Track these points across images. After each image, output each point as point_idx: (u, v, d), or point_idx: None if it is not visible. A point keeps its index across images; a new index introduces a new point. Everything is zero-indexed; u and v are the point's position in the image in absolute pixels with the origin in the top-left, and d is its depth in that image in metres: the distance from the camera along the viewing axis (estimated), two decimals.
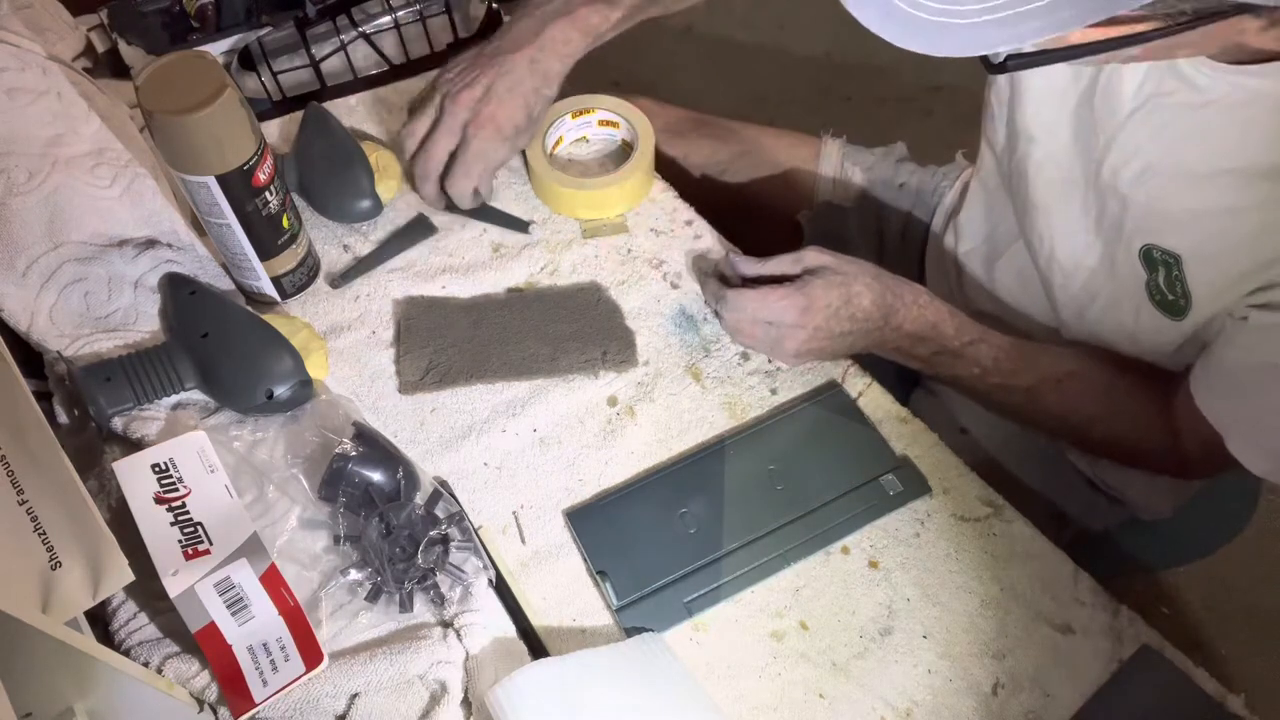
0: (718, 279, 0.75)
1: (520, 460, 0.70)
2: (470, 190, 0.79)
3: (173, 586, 0.57)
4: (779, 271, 0.71)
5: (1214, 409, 0.64)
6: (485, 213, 0.83)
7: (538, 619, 0.62)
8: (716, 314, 0.75)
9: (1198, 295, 0.64)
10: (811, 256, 0.70)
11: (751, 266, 0.72)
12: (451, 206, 0.82)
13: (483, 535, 0.65)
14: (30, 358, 0.70)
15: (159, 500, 0.61)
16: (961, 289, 0.90)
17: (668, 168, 1.02)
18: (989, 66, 0.47)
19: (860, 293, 0.69)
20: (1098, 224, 0.70)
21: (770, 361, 0.74)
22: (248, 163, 0.66)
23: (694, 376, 0.74)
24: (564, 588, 0.64)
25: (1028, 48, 0.46)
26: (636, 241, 0.82)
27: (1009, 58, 0.46)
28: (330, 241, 0.82)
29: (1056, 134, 0.71)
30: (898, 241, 1.02)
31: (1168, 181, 0.63)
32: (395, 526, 0.62)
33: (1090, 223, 0.70)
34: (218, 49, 0.91)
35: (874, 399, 0.73)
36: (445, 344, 0.74)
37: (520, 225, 0.82)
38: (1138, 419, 0.73)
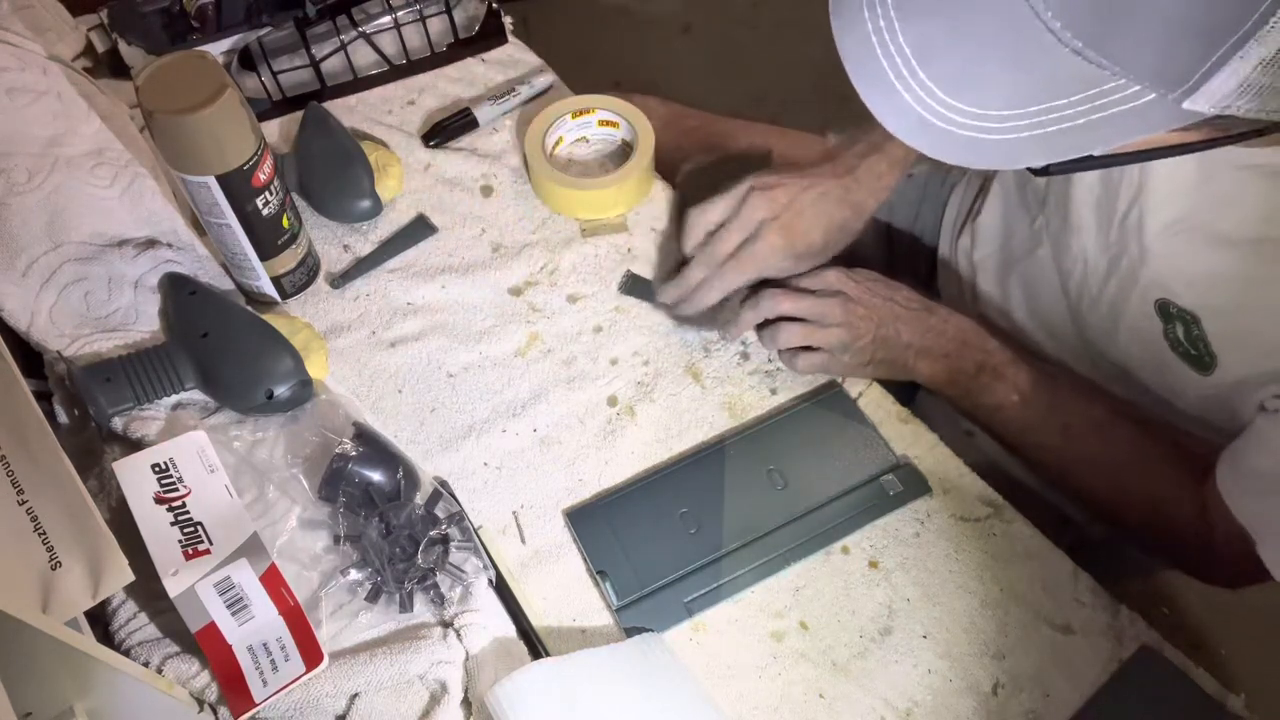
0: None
1: (520, 460, 0.70)
2: (730, 289, 0.72)
3: (173, 586, 0.57)
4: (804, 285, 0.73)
5: (1244, 509, 0.59)
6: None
7: (538, 619, 0.62)
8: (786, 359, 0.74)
9: (1224, 356, 0.61)
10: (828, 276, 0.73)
11: (789, 300, 0.71)
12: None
13: (483, 535, 0.65)
14: (30, 358, 0.70)
15: (159, 500, 0.61)
16: (975, 297, 0.89)
17: (669, 168, 1.02)
18: (1032, 171, 0.45)
19: (892, 279, 0.73)
20: (1113, 264, 0.68)
21: (770, 360, 0.74)
22: (248, 163, 0.66)
23: (694, 376, 0.74)
24: (564, 588, 0.64)
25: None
26: (636, 241, 0.82)
27: (1050, 164, 0.43)
28: (330, 241, 0.82)
29: None
30: (907, 239, 1.01)
31: (1195, 239, 0.61)
32: (395, 526, 0.62)
33: (1108, 260, 0.69)
34: (218, 49, 0.91)
35: (874, 399, 0.73)
36: None
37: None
38: (1170, 477, 0.67)
